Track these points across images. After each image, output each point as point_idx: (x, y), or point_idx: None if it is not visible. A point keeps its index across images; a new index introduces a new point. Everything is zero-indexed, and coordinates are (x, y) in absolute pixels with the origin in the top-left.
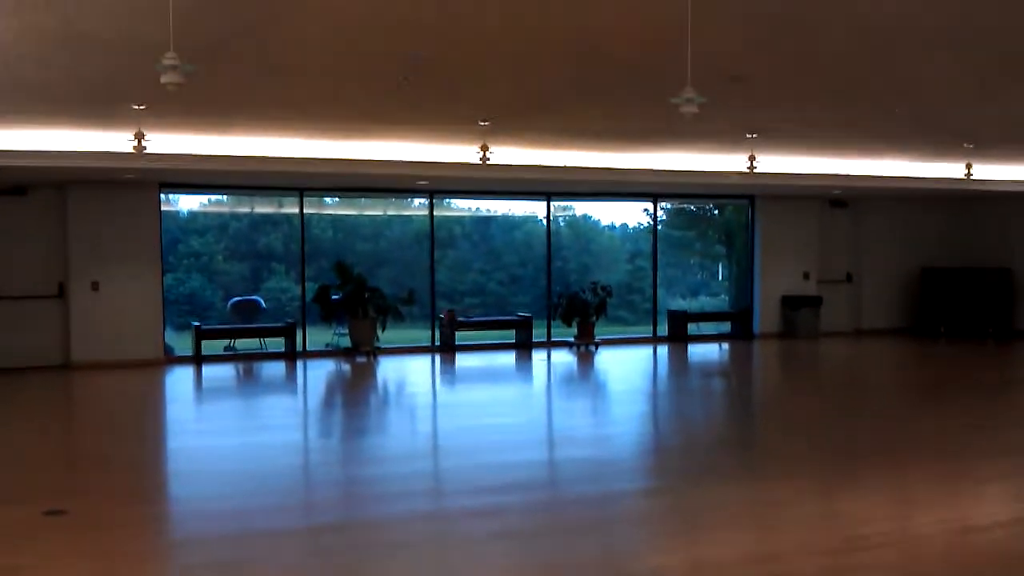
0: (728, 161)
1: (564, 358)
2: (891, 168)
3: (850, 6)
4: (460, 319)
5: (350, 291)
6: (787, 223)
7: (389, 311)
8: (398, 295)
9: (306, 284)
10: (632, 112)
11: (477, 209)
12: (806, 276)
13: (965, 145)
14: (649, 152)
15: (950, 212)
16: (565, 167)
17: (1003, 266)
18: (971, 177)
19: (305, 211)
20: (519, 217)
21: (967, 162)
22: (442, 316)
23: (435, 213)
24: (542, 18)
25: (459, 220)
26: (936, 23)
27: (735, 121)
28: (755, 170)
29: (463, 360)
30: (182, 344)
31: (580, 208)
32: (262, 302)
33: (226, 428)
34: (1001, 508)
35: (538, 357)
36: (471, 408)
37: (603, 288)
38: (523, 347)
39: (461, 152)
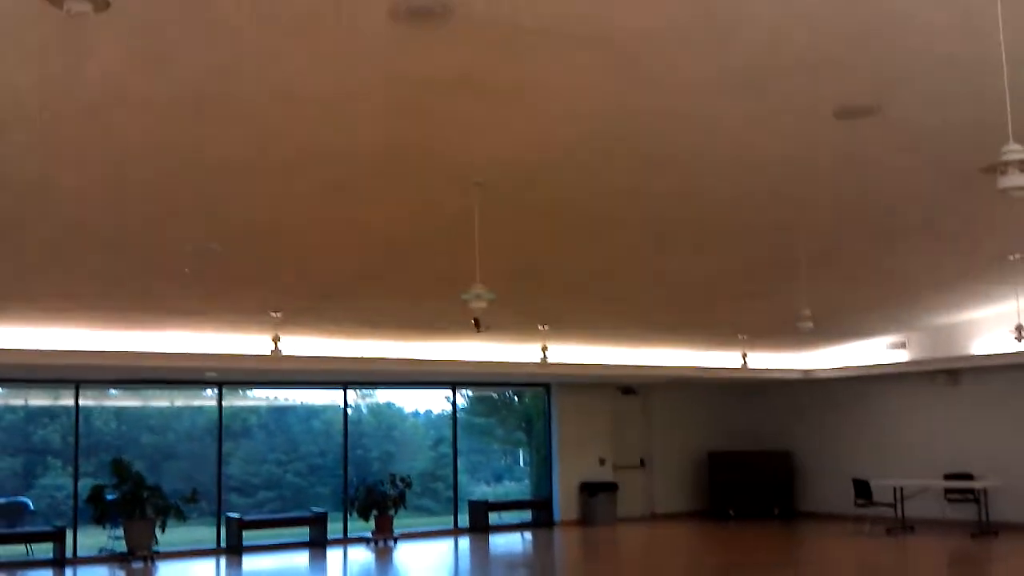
0: (523, 350)
1: (360, 556)
2: (675, 357)
3: (629, 207)
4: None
5: (127, 490)
6: (582, 410)
7: (169, 511)
8: (183, 493)
9: (84, 481)
10: (426, 304)
11: (275, 398)
12: (602, 462)
13: (739, 336)
14: (446, 341)
15: (733, 398)
16: (359, 358)
17: (784, 449)
18: (747, 366)
19: (86, 403)
20: (318, 405)
21: (743, 351)
22: None
23: (229, 403)
24: (334, 211)
25: (254, 409)
26: (703, 224)
27: (527, 313)
28: (547, 360)
29: (250, 563)
30: None
31: (383, 395)
32: (30, 503)
33: None
34: None
35: (332, 557)
36: None
37: (402, 479)
38: (317, 545)
39: (252, 342)
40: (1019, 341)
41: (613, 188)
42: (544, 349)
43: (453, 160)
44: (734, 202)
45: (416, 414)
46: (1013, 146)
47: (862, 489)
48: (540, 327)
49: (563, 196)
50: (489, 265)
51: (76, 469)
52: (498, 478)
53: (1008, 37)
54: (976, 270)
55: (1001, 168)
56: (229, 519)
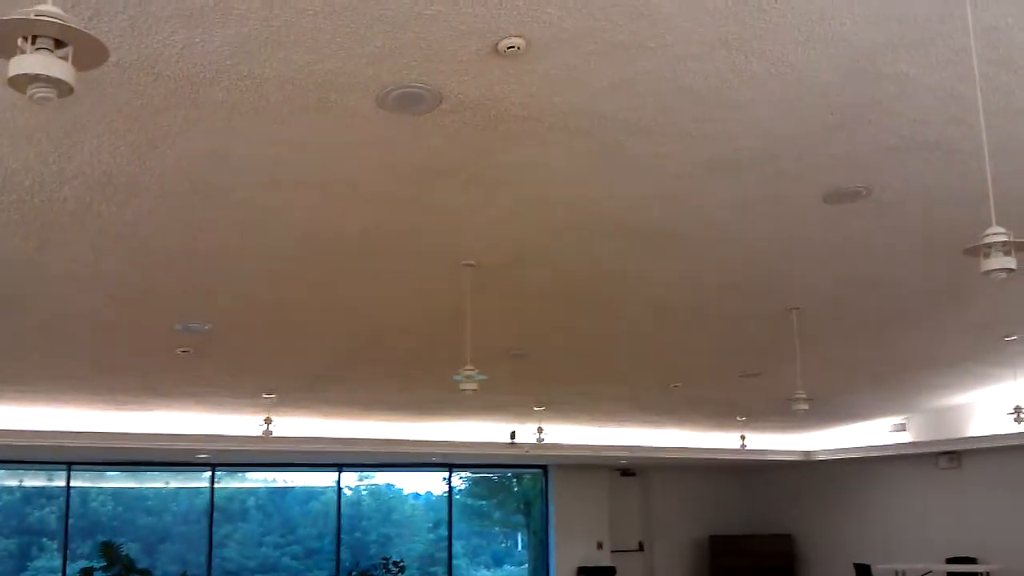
0: (519, 431)
1: None
2: (674, 438)
3: (622, 289)
4: None
5: (115, 573)
6: (579, 492)
7: None
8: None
9: (76, 564)
10: (420, 384)
11: (273, 480)
12: (599, 546)
13: (738, 418)
14: (441, 421)
15: (733, 480)
16: (350, 439)
17: (785, 532)
18: (745, 448)
19: (81, 484)
20: (317, 488)
21: (741, 433)
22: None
23: (226, 484)
24: (325, 294)
25: (252, 491)
26: (697, 305)
27: (523, 394)
28: (543, 440)
29: None
30: None
31: (383, 477)
32: None
33: None
34: None
35: None
36: None
37: (395, 563)
38: None
39: (245, 423)
40: (1018, 423)
41: (606, 270)
42: (540, 430)
43: (444, 243)
44: (730, 285)
45: (416, 496)
46: (995, 229)
47: (863, 573)
48: (536, 407)
49: (555, 278)
50: (482, 346)
51: (66, 551)
52: (498, 562)
53: (989, 122)
54: (972, 351)
55: (984, 251)
56: None
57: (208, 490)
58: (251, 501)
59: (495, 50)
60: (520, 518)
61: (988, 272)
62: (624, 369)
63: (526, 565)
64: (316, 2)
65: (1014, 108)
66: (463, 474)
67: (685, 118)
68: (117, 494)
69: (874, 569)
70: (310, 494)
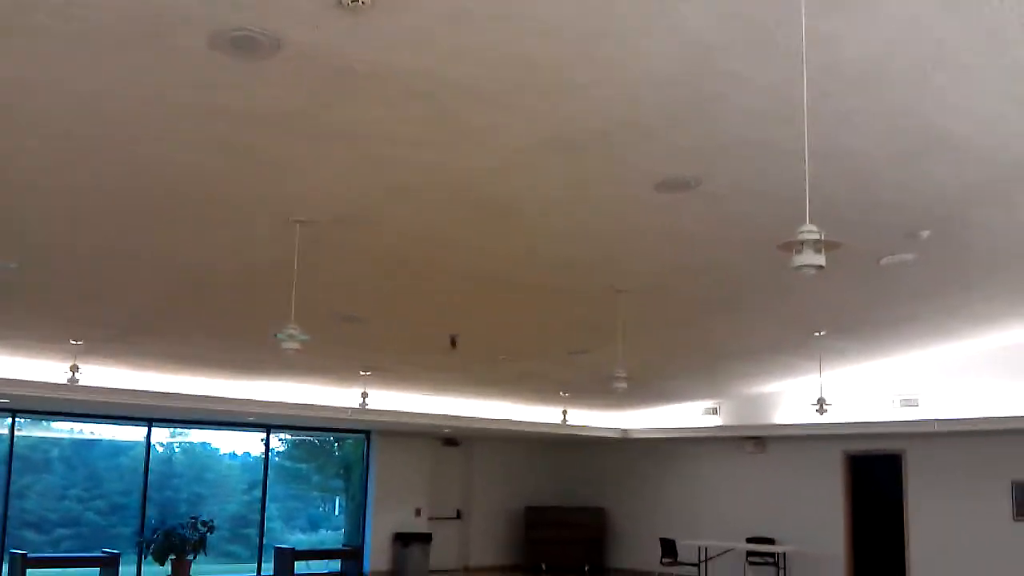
0: (343, 395)
1: None
2: (499, 410)
3: (454, 257)
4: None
5: None
6: (401, 459)
7: None
8: None
9: None
10: (241, 341)
11: (79, 431)
12: (418, 512)
13: (561, 393)
14: (260, 380)
15: (553, 453)
16: (163, 393)
17: (598, 506)
18: (567, 423)
19: None
20: (127, 442)
21: (564, 408)
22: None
23: (27, 432)
24: (141, 240)
25: (56, 441)
26: (526, 280)
27: (348, 358)
28: (367, 406)
29: None
30: None
31: (199, 435)
32: None
33: None
34: None
35: None
36: None
37: (204, 523)
38: None
39: (49, 369)
40: (820, 414)
41: (441, 237)
42: (364, 395)
43: (274, 197)
44: (562, 263)
45: (232, 456)
46: (808, 227)
47: (668, 548)
48: (362, 372)
49: (388, 240)
50: (309, 306)
51: None
52: (314, 526)
53: (813, 126)
54: (784, 344)
55: (796, 247)
56: (13, 556)
57: (7, 437)
58: (54, 452)
59: (339, 2)
60: (339, 483)
61: (799, 267)
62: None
63: (342, 529)
64: None
65: (838, 113)
66: (283, 436)
67: (528, 93)
68: None
69: (679, 544)
70: (118, 448)
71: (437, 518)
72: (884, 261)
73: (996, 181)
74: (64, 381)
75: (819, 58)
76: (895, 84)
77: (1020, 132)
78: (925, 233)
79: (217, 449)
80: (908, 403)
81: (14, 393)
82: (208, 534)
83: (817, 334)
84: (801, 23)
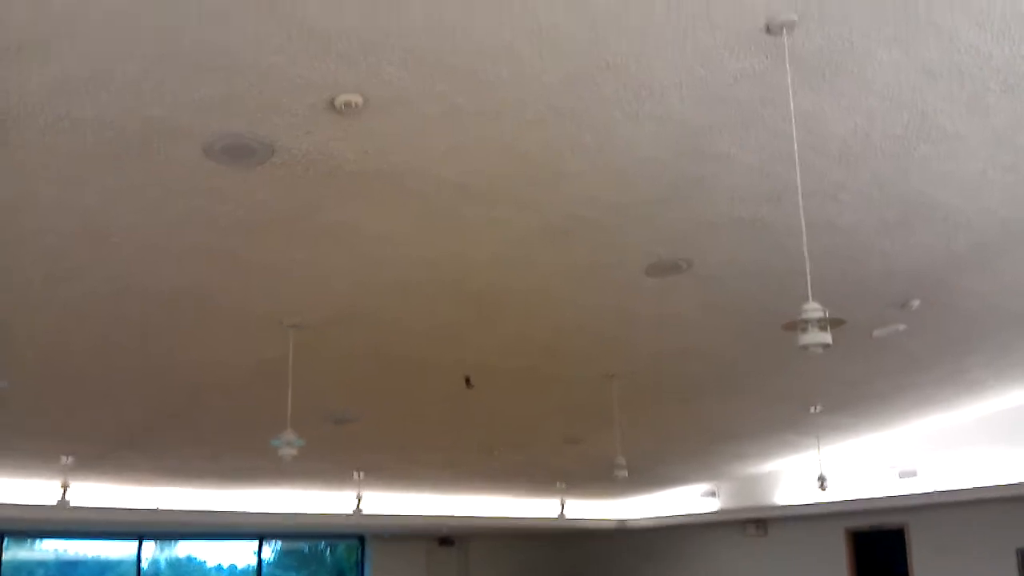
0: (336, 499)
1: None
2: (495, 506)
3: (448, 352)
4: None
5: None
6: (396, 563)
7: None
8: None
9: None
10: (233, 450)
11: (64, 550)
12: None
13: (558, 484)
14: (252, 489)
15: (552, 548)
16: (154, 509)
17: None
18: (564, 516)
19: None
20: (112, 559)
21: (561, 500)
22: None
23: (14, 554)
24: (135, 349)
25: (42, 563)
26: (522, 371)
27: (342, 461)
28: (362, 510)
29: None
30: None
31: (185, 548)
32: None
33: None
34: None
35: None
36: None
37: None
38: None
39: (38, 488)
40: (822, 490)
41: (434, 332)
42: (359, 498)
43: (268, 302)
44: (555, 350)
45: (219, 569)
46: (812, 304)
47: None
48: (356, 475)
49: (381, 339)
50: (301, 409)
51: None
52: None
53: (807, 204)
54: (780, 421)
55: (801, 326)
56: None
57: None
58: (39, 573)
59: (331, 106)
60: None
61: (806, 347)
62: (446, 433)
63: None
64: (148, 48)
65: (824, 190)
66: (273, 544)
67: (520, 184)
68: None
69: None
70: (105, 566)
71: None
72: (877, 333)
73: (982, 246)
74: (54, 503)
75: (803, 135)
76: (879, 156)
77: (1004, 197)
78: (916, 303)
79: (203, 563)
80: (906, 474)
81: (4, 516)
82: None
83: (813, 410)
84: (788, 103)
